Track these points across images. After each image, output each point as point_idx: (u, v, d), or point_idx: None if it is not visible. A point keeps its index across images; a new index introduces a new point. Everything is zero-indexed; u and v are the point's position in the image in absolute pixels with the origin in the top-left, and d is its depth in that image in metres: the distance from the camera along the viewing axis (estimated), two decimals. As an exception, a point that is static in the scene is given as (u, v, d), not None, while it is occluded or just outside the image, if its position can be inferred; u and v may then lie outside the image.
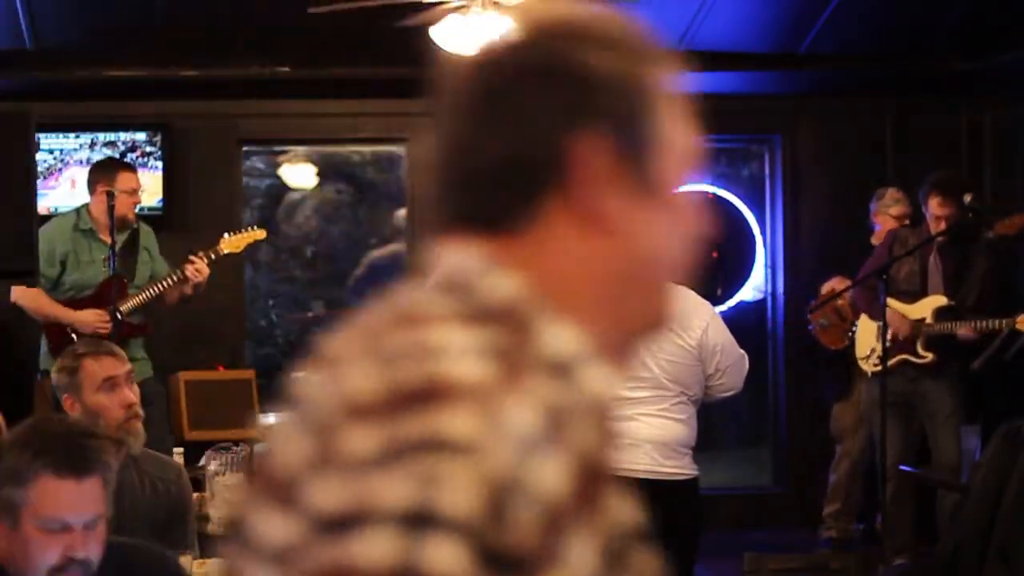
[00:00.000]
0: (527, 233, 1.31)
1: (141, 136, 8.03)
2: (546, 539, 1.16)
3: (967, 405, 7.06)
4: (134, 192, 6.72)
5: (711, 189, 8.94)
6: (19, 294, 6.61)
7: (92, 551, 2.65)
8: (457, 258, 1.32)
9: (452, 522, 1.12)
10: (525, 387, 1.19)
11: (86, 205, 6.77)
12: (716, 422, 8.81)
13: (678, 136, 1.44)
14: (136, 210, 6.80)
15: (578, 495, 1.19)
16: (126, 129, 8.02)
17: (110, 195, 6.39)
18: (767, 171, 8.86)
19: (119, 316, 6.54)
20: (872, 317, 7.06)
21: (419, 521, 1.12)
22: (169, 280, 6.64)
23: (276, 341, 9.62)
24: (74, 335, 6.38)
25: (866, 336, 7.12)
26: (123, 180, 6.69)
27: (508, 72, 1.34)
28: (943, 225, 6.86)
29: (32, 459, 2.63)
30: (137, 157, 7.90)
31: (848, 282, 7.58)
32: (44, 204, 7.30)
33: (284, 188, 9.37)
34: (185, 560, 3.71)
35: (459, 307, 1.25)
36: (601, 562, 1.20)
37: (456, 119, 1.34)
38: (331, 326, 1.37)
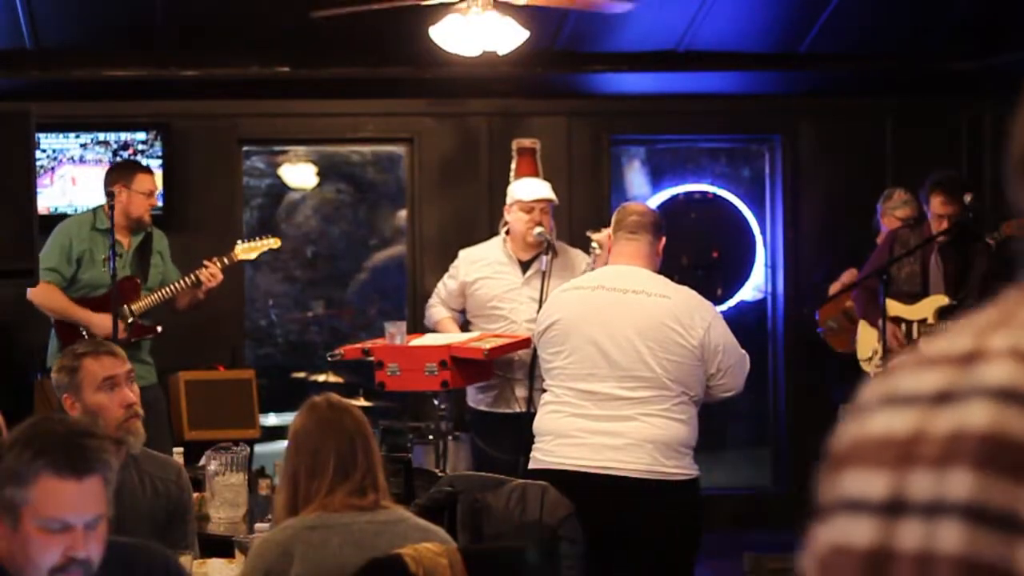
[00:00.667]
0: None
1: (141, 136, 8.03)
2: None
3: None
4: (151, 194, 6.75)
5: (711, 189, 8.95)
6: (36, 291, 6.64)
7: (93, 551, 2.65)
8: None
9: None
10: None
11: (103, 205, 6.80)
12: (716, 422, 8.81)
13: None
14: (151, 212, 6.82)
15: None
16: (126, 129, 8.03)
17: (110, 195, 6.40)
18: (767, 171, 8.86)
19: (131, 317, 6.60)
20: (869, 320, 7.06)
21: None
22: (183, 283, 6.67)
23: (276, 341, 9.62)
24: (85, 335, 6.40)
25: (867, 338, 7.12)
26: (140, 181, 6.72)
27: None
28: (945, 224, 6.85)
29: (32, 459, 2.63)
30: (130, 155, 7.92)
31: (855, 273, 7.58)
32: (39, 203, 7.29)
33: (284, 188, 9.37)
34: (185, 560, 3.71)
35: None
36: None
37: None
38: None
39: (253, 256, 6.92)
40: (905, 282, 7.02)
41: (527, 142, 8.26)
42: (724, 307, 8.67)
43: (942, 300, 6.96)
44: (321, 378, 8.86)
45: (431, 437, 6.65)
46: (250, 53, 7.87)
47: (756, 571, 6.61)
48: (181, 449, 5.34)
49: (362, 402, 6.55)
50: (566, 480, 4.54)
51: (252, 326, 9.19)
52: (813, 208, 8.64)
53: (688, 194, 8.95)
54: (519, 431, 5.98)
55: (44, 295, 6.60)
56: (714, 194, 8.92)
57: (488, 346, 6.16)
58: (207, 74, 7.90)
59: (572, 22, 7.56)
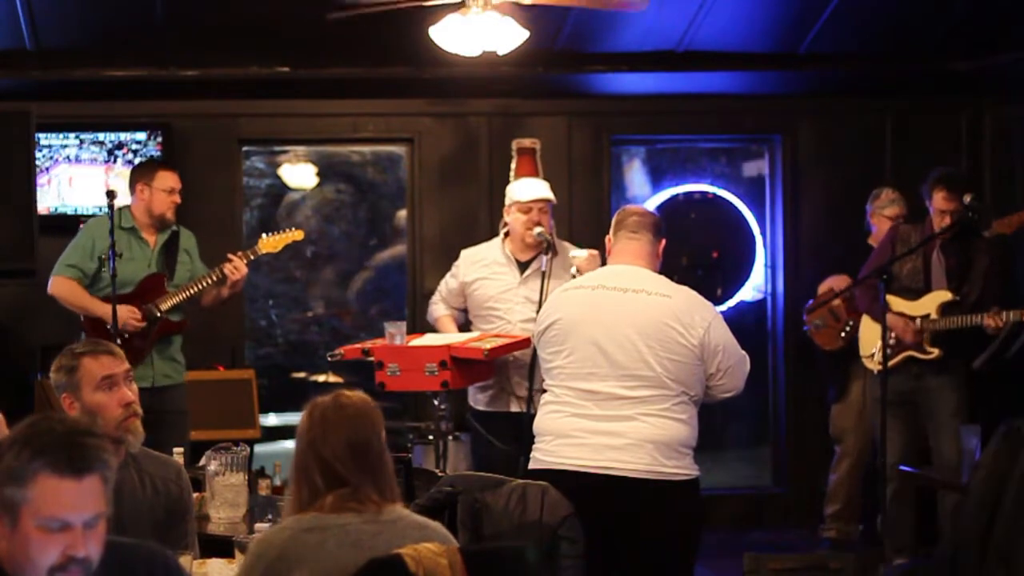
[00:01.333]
0: None
1: (141, 136, 8.04)
2: None
3: (968, 404, 7.06)
4: (173, 191, 6.83)
5: (711, 189, 8.94)
6: (57, 286, 6.74)
7: (92, 550, 2.65)
8: None
9: None
10: None
11: (128, 205, 6.91)
12: (716, 422, 8.81)
13: None
14: (175, 209, 6.87)
15: None
16: (126, 129, 8.03)
17: (110, 195, 6.42)
18: (767, 171, 8.86)
19: (158, 313, 6.70)
20: (873, 317, 7.06)
21: None
22: (208, 279, 6.73)
23: (276, 341, 9.62)
24: (110, 328, 6.49)
25: (869, 335, 7.12)
26: (161, 179, 6.82)
27: None
28: (948, 220, 6.84)
29: (31, 458, 2.62)
30: (124, 154, 7.93)
31: (847, 280, 7.58)
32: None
33: (284, 188, 9.37)
34: (185, 560, 3.71)
35: None
36: None
37: None
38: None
39: (278, 249, 6.98)
40: (907, 278, 7.02)
41: (527, 142, 8.26)
42: (724, 307, 8.68)
43: (945, 296, 6.96)
44: (321, 378, 8.87)
45: (431, 437, 6.65)
46: (250, 53, 7.87)
47: (756, 571, 6.60)
48: (181, 449, 5.34)
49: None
50: (566, 480, 4.54)
51: (252, 326, 9.19)
52: (813, 208, 8.64)
53: (688, 194, 8.95)
54: (519, 430, 5.98)
55: (64, 289, 6.74)
56: (714, 194, 8.92)
57: (488, 346, 6.16)
58: (207, 74, 7.91)
59: (572, 22, 7.56)
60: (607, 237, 5.02)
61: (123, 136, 8.02)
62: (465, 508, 4.28)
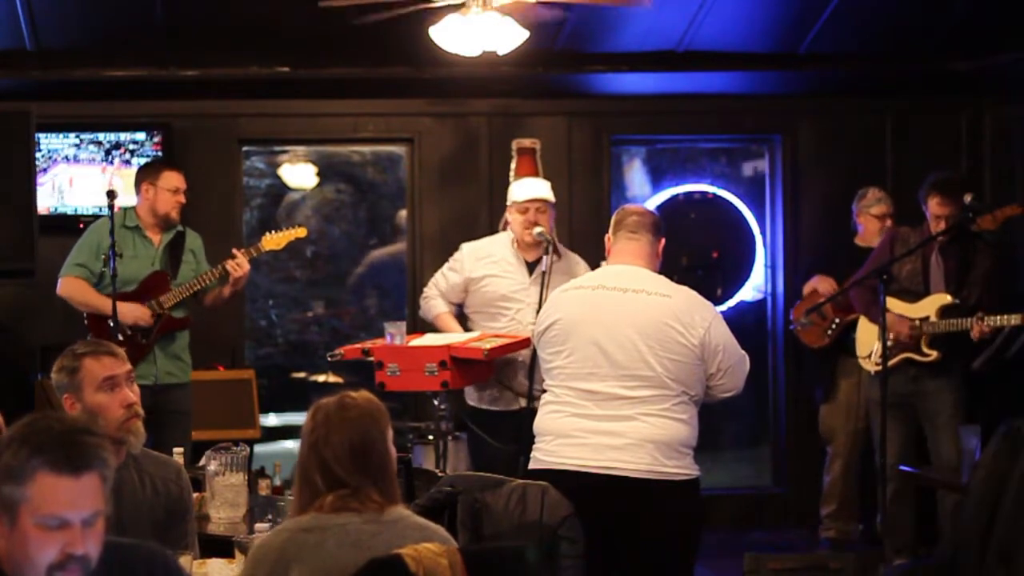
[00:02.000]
0: None
1: (141, 136, 8.04)
2: None
3: (967, 405, 7.07)
4: (177, 191, 6.89)
5: (711, 189, 8.95)
6: (66, 286, 6.82)
7: (91, 548, 2.65)
8: None
9: None
10: None
11: (135, 205, 6.95)
12: (716, 422, 8.81)
13: None
14: (179, 209, 6.92)
15: None
16: (126, 129, 8.04)
17: (110, 195, 6.46)
18: (767, 171, 8.86)
19: (160, 310, 6.75)
20: (871, 318, 7.06)
21: None
22: (211, 276, 6.77)
23: (276, 341, 9.62)
24: (112, 325, 6.53)
25: (867, 336, 7.12)
26: (166, 178, 6.88)
27: None
28: (943, 225, 6.87)
29: (29, 456, 2.62)
30: (121, 154, 7.94)
31: (830, 280, 7.61)
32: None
33: (284, 188, 9.38)
34: (185, 560, 3.71)
35: None
36: None
37: None
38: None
39: (281, 246, 7.01)
40: (906, 280, 7.03)
41: (527, 142, 8.26)
42: (724, 307, 8.68)
43: (945, 298, 6.96)
44: (321, 378, 8.87)
45: (431, 437, 6.65)
46: (250, 53, 7.87)
47: (756, 571, 6.60)
48: (181, 449, 5.34)
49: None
50: (567, 480, 4.54)
51: (252, 326, 9.19)
52: (813, 208, 8.64)
53: (688, 194, 8.95)
54: (519, 429, 5.98)
55: (73, 289, 6.80)
56: (714, 194, 8.92)
57: (488, 346, 6.15)
58: (207, 74, 7.91)
59: (572, 22, 7.56)
60: (606, 237, 5.02)
61: (121, 136, 8.02)
62: (465, 508, 4.28)
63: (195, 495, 4.41)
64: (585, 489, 4.54)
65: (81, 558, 2.63)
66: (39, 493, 2.62)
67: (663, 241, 4.98)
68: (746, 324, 8.61)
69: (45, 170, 7.93)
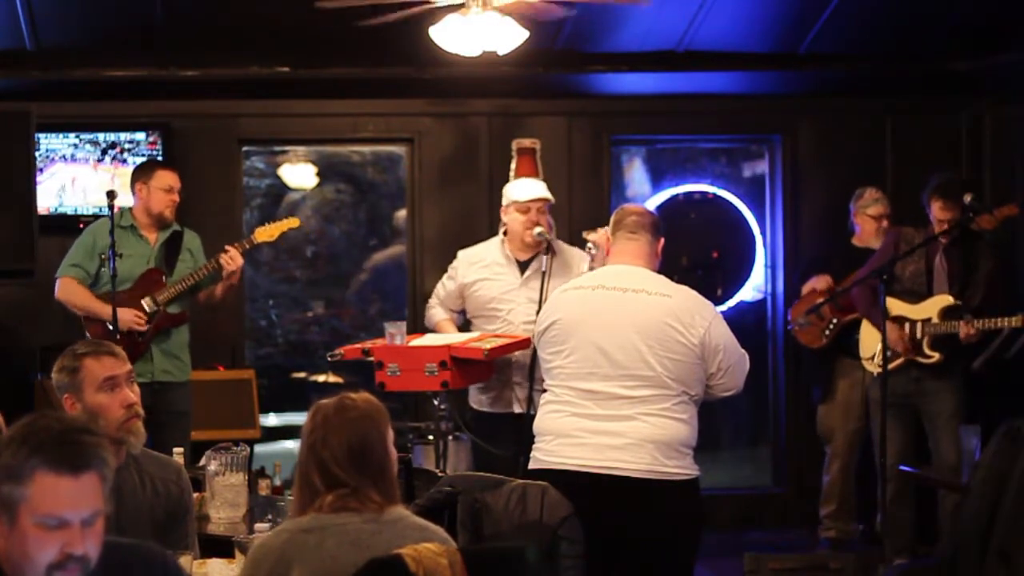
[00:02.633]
0: None
1: (141, 136, 8.04)
2: None
3: (967, 405, 7.07)
4: (170, 190, 6.92)
5: (711, 189, 8.94)
6: (62, 289, 6.86)
7: (90, 548, 2.65)
8: None
9: None
10: None
11: (131, 206, 6.99)
12: (716, 422, 8.82)
13: None
14: (174, 208, 6.94)
15: None
16: (126, 129, 8.04)
17: (110, 195, 6.49)
18: (767, 171, 8.86)
19: (157, 307, 6.79)
20: (871, 320, 7.06)
21: None
22: (204, 270, 6.82)
23: (276, 341, 9.62)
24: (110, 327, 6.54)
25: (870, 337, 7.12)
26: (159, 178, 6.91)
27: None
28: (946, 228, 6.88)
29: (29, 456, 2.62)
30: (118, 153, 7.94)
31: (828, 280, 7.61)
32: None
33: (284, 188, 9.38)
34: (185, 560, 3.71)
35: None
36: None
37: None
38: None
39: (274, 238, 7.03)
40: (910, 280, 7.03)
41: (527, 142, 8.26)
42: (724, 307, 8.68)
43: (947, 300, 6.96)
44: (321, 378, 8.86)
45: (431, 437, 6.65)
46: (250, 53, 7.87)
47: (756, 571, 6.60)
48: (181, 449, 5.34)
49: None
50: (567, 480, 4.54)
51: (252, 326, 9.19)
52: (813, 208, 8.64)
53: (688, 194, 8.95)
54: (519, 431, 5.98)
55: (68, 291, 6.84)
56: (714, 194, 8.92)
57: (488, 346, 6.16)
58: (207, 74, 7.91)
59: (572, 22, 7.56)
60: (604, 233, 5.02)
61: (119, 136, 8.01)
62: (465, 508, 4.28)
63: (195, 495, 4.41)
64: (585, 489, 4.54)
65: (80, 558, 2.63)
66: (38, 493, 2.62)
67: (662, 241, 4.98)
68: (746, 324, 8.61)
69: (41, 170, 7.92)
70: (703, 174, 9.07)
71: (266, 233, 7.00)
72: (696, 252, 8.93)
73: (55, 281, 6.85)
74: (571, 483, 4.50)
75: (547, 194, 6.57)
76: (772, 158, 8.82)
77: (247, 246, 6.93)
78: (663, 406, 4.69)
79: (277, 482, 6.90)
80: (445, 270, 6.85)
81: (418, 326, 7.48)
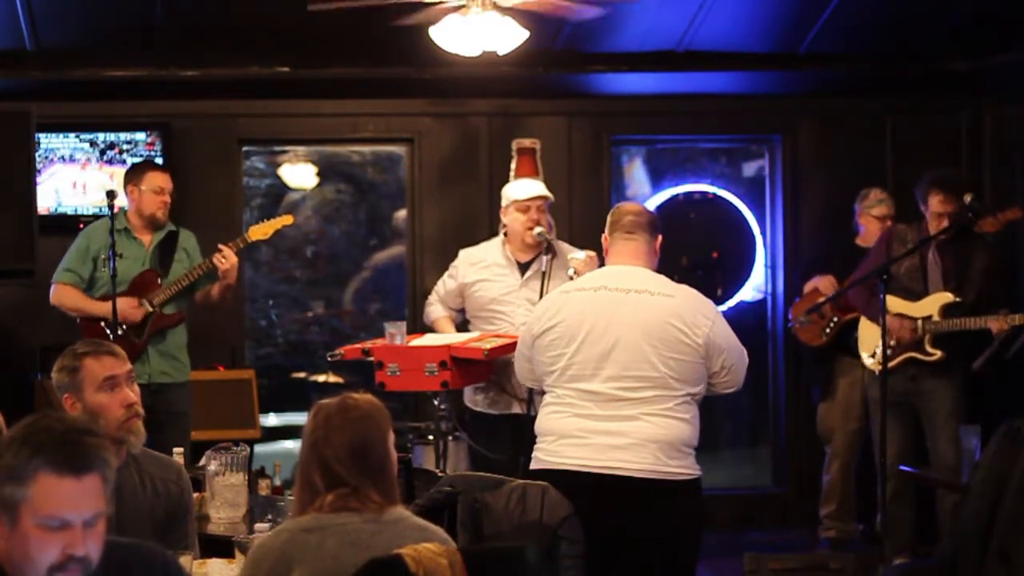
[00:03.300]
0: None
1: (141, 136, 8.04)
2: None
3: (967, 405, 7.07)
4: (162, 191, 6.93)
5: (711, 189, 8.94)
6: (57, 294, 6.88)
7: (92, 549, 2.65)
8: None
9: None
10: None
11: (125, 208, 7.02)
12: (716, 422, 8.82)
13: None
14: (166, 209, 6.95)
15: None
16: (126, 129, 8.04)
17: (110, 195, 6.50)
18: (767, 171, 8.86)
19: (152, 309, 6.80)
20: (871, 318, 7.06)
21: None
22: (199, 270, 6.83)
23: (276, 341, 9.62)
24: (108, 331, 6.53)
25: (869, 335, 7.11)
26: (150, 179, 6.93)
27: None
28: (944, 223, 6.85)
29: (30, 457, 2.62)
30: (116, 154, 7.95)
31: (832, 279, 7.60)
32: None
33: (284, 188, 9.38)
34: (185, 560, 3.71)
35: None
36: None
37: None
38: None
39: (268, 236, 7.04)
40: (905, 278, 7.02)
41: (527, 142, 8.26)
42: (724, 307, 8.68)
43: (947, 297, 6.95)
44: (321, 378, 8.86)
45: (431, 437, 6.65)
46: (250, 53, 7.87)
47: (756, 571, 6.60)
48: (181, 449, 5.34)
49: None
50: (569, 480, 4.54)
51: (252, 326, 9.19)
52: (813, 208, 8.64)
53: (688, 194, 8.95)
54: (519, 432, 5.97)
55: (63, 296, 6.87)
56: (714, 194, 8.92)
57: (488, 346, 6.16)
58: (207, 74, 7.91)
59: (572, 22, 7.56)
60: (603, 236, 5.01)
61: (118, 135, 8.01)
62: (465, 508, 4.28)
63: (195, 495, 4.41)
64: (587, 489, 4.54)
65: (82, 559, 2.63)
66: (40, 493, 2.62)
67: (660, 238, 4.96)
68: (746, 324, 8.61)
69: (41, 170, 7.92)
70: (703, 174, 9.07)
71: (260, 231, 6.99)
72: (696, 252, 8.93)
73: (47, 280, 6.86)
74: (573, 483, 4.50)
75: (546, 192, 6.57)
76: (772, 158, 8.82)
77: (241, 245, 6.93)
78: (666, 406, 4.69)
79: (277, 482, 6.90)
80: (445, 270, 6.86)
81: (418, 326, 7.48)
